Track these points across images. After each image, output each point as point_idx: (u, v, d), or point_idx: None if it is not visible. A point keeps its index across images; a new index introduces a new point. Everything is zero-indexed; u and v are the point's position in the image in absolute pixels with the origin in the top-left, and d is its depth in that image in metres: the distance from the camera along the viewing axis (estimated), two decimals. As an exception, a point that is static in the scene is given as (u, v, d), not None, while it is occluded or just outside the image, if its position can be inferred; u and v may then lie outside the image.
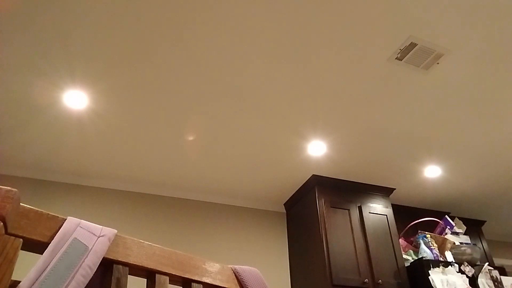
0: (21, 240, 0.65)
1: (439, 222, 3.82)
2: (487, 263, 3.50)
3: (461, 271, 3.32)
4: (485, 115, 2.98)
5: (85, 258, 0.71)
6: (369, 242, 3.41)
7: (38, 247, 0.69)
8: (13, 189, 0.63)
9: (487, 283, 3.32)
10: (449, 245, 3.53)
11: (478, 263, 3.47)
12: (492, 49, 2.42)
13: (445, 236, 3.63)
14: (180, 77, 2.53)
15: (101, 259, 0.74)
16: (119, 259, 0.79)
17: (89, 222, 0.77)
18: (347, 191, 3.68)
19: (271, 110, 2.84)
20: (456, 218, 4.22)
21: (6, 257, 0.60)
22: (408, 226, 3.77)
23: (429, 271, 3.18)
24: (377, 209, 3.66)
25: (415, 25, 2.26)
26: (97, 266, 0.72)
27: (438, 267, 3.24)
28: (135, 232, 3.38)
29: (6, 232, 0.62)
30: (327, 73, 2.56)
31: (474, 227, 4.38)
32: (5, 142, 3.00)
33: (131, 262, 0.81)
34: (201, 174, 3.54)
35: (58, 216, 0.73)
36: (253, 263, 3.42)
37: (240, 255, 3.65)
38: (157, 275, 0.85)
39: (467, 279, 3.27)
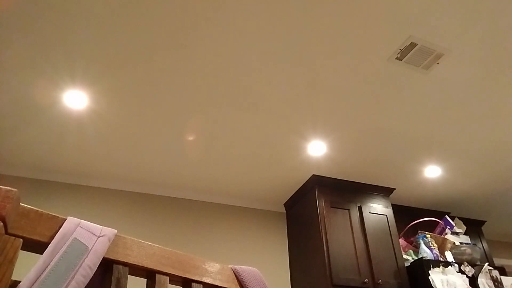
0: (21, 240, 0.65)
1: (439, 222, 3.82)
2: (487, 263, 3.50)
3: (461, 271, 3.32)
4: (485, 115, 2.98)
5: (85, 258, 0.71)
6: (369, 242, 3.41)
7: (38, 247, 0.69)
8: (13, 189, 0.63)
9: (487, 283, 3.32)
10: (449, 245, 3.53)
11: (478, 263, 3.47)
12: (492, 49, 2.42)
13: (445, 236, 3.63)
14: (180, 77, 2.53)
15: (101, 259, 0.74)
16: (119, 259, 0.79)
17: (89, 222, 0.77)
18: (347, 191, 3.68)
19: (271, 110, 2.84)
20: (456, 218, 4.22)
21: (6, 257, 0.60)
22: (408, 226, 3.77)
23: (429, 271, 3.18)
24: (377, 209, 3.66)
25: (415, 25, 2.25)
26: (97, 266, 0.72)
27: (438, 267, 3.24)
28: (135, 232, 3.38)
29: (6, 232, 0.62)
30: (327, 73, 2.56)
31: (474, 227, 4.38)
32: (5, 142, 3.00)
33: (131, 262, 0.81)
34: (201, 174, 3.54)
35: (58, 216, 0.73)
36: (253, 263, 3.42)
37: (240, 255, 3.65)
38: (157, 275, 0.85)
39: (467, 279, 3.27)
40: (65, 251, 0.68)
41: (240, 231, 3.80)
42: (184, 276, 0.90)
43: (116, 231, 0.81)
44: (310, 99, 2.76)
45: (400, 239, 3.64)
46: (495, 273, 3.43)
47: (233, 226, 3.80)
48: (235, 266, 1.03)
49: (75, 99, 2.64)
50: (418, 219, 3.78)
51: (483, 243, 4.31)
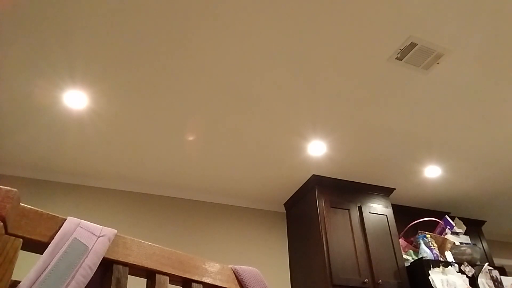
0: (21, 240, 0.65)
1: (439, 222, 3.82)
2: (487, 263, 3.50)
3: (461, 271, 3.32)
4: (485, 115, 2.98)
5: (85, 258, 0.70)
6: (369, 242, 3.41)
7: (38, 247, 0.69)
8: (13, 189, 0.63)
9: (487, 283, 3.32)
10: (449, 245, 3.53)
11: (478, 263, 3.47)
12: (492, 49, 2.42)
13: (445, 236, 3.63)
14: (180, 77, 2.53)
15: (101, 259, 0.74)
16: (119, 259, 0.79)
17: (89, 222, 0.77)
18: (347, 191, 3.68)
19: (271, 110, 2.84)
20: (456, 218, 4.22)
21: (6, 257, 0.60)
22: (408, 226, 3.77)
23: (429, 271, 3.18)
24: (377, 209, 3.66)
25: (415, 25, 2.25)
26: (97, 266, 0.72)
27: (438, 267, 3.24)
28: (135, 232, 3.38)
29: (6, 232, 0.62)
30: (327, 73, 2.56)
31: (474, 227, 4.38)
32: (5, 142, 3.00)
33: (131, 262, 0.81)
34: (201, 174, 3.54)
35: (58, 216, 0.73)
36: (253, 263, 3.42)
37: (240, 255, 3.65)
38: (157, 275, 0.85)
39: (467, 279, 3.27)
40: (65, 251, 0.68)
41: (240, 231, 3.80)
42: (184, 276, 0.90)
43: (116, 231, 0.81)
44: (310, 99, 2.76)
45: (400, 239, 3.64)
46: (495, 273, 3.43)
47: (233, 226, 3.80)
48: (235, 266, 1.03)
49: (75, 99, 2.64)
50: (418, 219, 3.78)
51: (483, 243, 4.31)
